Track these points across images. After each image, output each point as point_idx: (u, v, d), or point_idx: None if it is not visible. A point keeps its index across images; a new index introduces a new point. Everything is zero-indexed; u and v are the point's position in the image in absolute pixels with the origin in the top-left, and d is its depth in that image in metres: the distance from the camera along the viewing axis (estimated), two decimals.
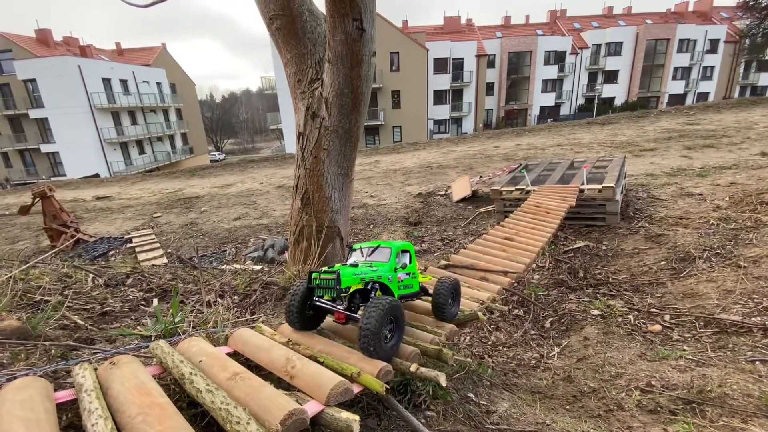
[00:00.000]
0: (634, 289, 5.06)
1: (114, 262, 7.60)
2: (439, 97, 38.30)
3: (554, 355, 4.06)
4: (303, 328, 2.35)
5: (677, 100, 40.74)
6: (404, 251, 2.62)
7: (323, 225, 4.70)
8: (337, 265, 2.27)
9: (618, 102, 42.32)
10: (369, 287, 2.24)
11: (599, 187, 7.11)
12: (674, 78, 41.90)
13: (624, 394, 3.10)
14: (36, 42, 34.47)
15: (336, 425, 1.50)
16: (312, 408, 1.54)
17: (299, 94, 4.49)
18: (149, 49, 44.47)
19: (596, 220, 7.32)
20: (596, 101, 41.85)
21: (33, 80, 31.10)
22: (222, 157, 51.66)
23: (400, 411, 1.94)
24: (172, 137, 43.20)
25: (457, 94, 39.32)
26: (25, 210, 9.89)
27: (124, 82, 36.08)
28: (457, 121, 40.29)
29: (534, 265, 5.81)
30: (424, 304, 2.88)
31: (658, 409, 2.81)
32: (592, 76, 42.95)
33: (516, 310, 5.00)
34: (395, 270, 2.40)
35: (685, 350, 3.57)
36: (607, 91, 42.78)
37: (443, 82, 37.67)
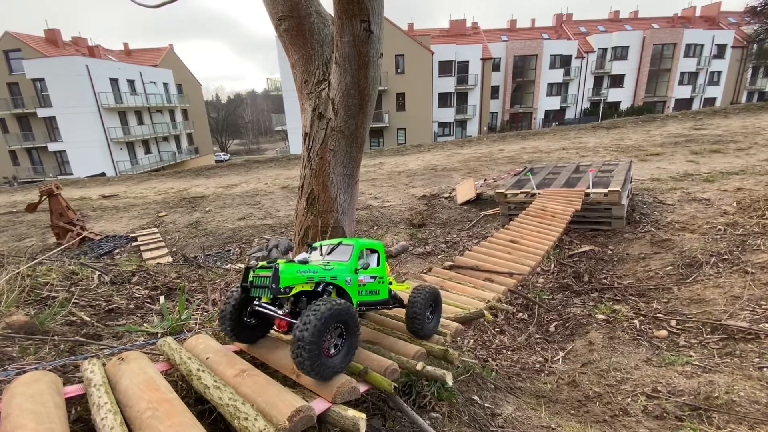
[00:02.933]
0: (639, 294, 5.03)
1: (119, 260, 7.66)
2: (444, 99, 38.31)
3: (559, 359, 4.04)
4: (243, 339, 2.01)
5: (684, 104, 40.51)
6: (372, 251, 2.29)
7: (328, 225, 4.71)
8: (281, 260, 1.90)
9: (624, 106, 42.14)
10: (320, 289, 1.90)
11: (605, 191, 7.08)
12: (681, 83, 41.68)
13: (630, 399, 3.07)
14: (45, 42, 34.86)
15: (342, 423, 1.50)
16: (319, 406, 1.55)
17: (306, 95, 4.51)
18: (156, 50, 44.85)
19: (602, 224, 7.28)
20: (602, 105, 41.68)
21: (41, 79, 31.43)
22: (227, 157, 51.91)
23: (405, 411, 1.93)
24: (177, 137, 43.49)
25: (462, 96, 39.32)
26: (32, 207, 9.98)
27: (131, 82, 36.39)
28: (462, 124, 40.27)
29: (539, 269, 5.79)
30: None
31: (665, 415, 2.79)
32: (598, 80, 42.81)
33: (520, 314, 4.98)
34: (356, 271, 2.05)
35: (691, 356, 3.54)
36: (612, 95, 42.62)
37: (448, 84, 37.68)
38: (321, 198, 4.62)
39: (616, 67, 41.69)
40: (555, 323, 4.72)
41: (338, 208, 4.73)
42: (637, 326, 4.26)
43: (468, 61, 38.07)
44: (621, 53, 41.47)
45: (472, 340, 4.51)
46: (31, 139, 33.81)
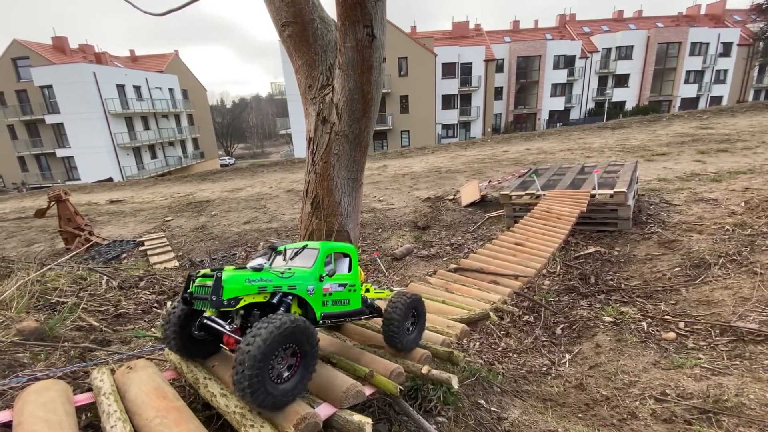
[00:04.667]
0: (647, 296, 4.99)
1: (127, 264, 7.73)
2: (448, 101, 38.31)
3: (566, 362, 4.01)
4: (195, 355, 1.81)
5: (690, 104, 40.16)
6: (344, 255, 2.07)
7: (333, 229, 4.72)
8: (228, 267, 1.69)
9: (629, 106, 41.87)
10: (276, 301, 1.69)
11: (611, 192, 7.03)
12: (686, 82, 41.35)
13: (638, 402, 3.05)
14: (52, 49, 35.35)
15: (348, 428, 1.51)
16: (324, 411, 1.56)
17: (310, 100, 4.54)
18: (162, 56, 45.32)
19: (608, 226, 7.23)
20: (607, 105, 41.46)
21: (49, 86, 31.85)
22: (232, 161, 52.22)
23: (411, 414, 1.93)
24: (183, 142, 43.85)
25: (466, 98, 39.31)
26: (41, 213, 10.11)
27: (137, 88, 36.78)
28: (466, 126, 40.23)
29: (544, 271, 5.76)
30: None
31: (673, 418, 2.76)
32: (603, 80, 42.59)
33: (526, 316, 4.95)
34: (320, 278, 1.83)
35: (700, 359, 3.50)
36: (617, 95, 42.38)
37: (451, 86, 37.69)
38: (325, 202, 4.64)
39: (621, 67, 41.47)
40: (561, 326, 4.69)
41: (343, 212, 4.75)
42: (645, 328, 4.22)
43: (471, 63, 38.09)
44: (625, 53, 41.24)
45: (478, 343, 4.50)
46: (40, 145, 34.26)
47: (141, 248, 9.33)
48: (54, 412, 1.36)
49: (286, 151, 46.74)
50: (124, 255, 9.03)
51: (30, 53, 32.85)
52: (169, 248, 9.22)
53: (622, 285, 5.41)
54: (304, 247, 1.98)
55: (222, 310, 1.56)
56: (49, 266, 3.84)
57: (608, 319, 4.58)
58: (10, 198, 19.85)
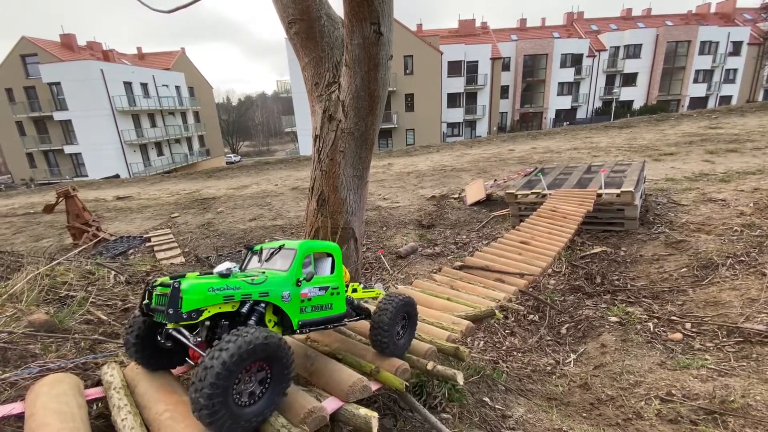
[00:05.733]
0: (653, 296, 4.96)
1: (134, 260, 7.80)
2: (453, 100, 38.18)
3: (570, 361, 4.00)
4: (156, 366, 1.67)
5: (699, 103, 39.71)
6: (327, 255, 1.90)
7: (338, 226, 4.74)
8: (191, 274, 1.56)
9: (637, 105, 41.49)
10: (245, 310, 1.53)
11: (618, 191, 6.98)
12: (696, 81, 40.87)
13: (643, 402, 3.03)
14: (61, 46, 35.67)
15: (355, 422, 1.52)
16: (331, 405, 1.57)
17: (316, 97, 4.55)
18: (169, 54, 45.57)
19: (614, 226, 7.19)
20: (614, 104, 41.10)
21: (57, 83, 32.17)
22: (238, 159, 52.45)
23: (418, 408, 1.94)
24: (189, 139, 44.11)
25: (471, 97, 39.14)
26: (49, 209, 10.21)
27: (144, 86, 37.03)
28: (471, 124, 40.08)
29: (550, 270, 5.73)
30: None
31: (679, 419, 2.75)
32: (610, 79, 42.22)
33: (531, 316, 4.94)
34: (297, 283, 1.67)
35: (707, 359, 3.48)
36: (625, 94, 41.99)
37: (457, 85, 37.54)
38: (331, 199, 4.66)
39: (629, 66, 41.07)
40: (566, 325, 4.68)
41: (348, 209, 4.77)
42: (651, 329, 4.20)
43: (477, 61, 37.90)
44: (634, 51, 40.83)
45: (482, 342, 4.49)
46: (48, 141, 34.63)
47: (148, 244, 9.41)
48: (66, 405, 1.39)
49: (291, 149, 46.85)
50: (131, 251, 9.12)
51: (38, 50, 33.17)
52: (176, 244, 9.29)
53: (628, 285, 5.38)
54: (280, 248, 1.80)
55: (180, 323, 1.39)
56: (58, 261, 3.89)
57: (614, 319, 4.56)
58: (18, 194, 20.10)
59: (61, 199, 9.63)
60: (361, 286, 2.23)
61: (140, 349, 1.62)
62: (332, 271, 1.87)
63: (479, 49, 37.77)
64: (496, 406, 2.54)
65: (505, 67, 40.09)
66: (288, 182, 15.61)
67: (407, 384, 1.79)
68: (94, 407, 1.63)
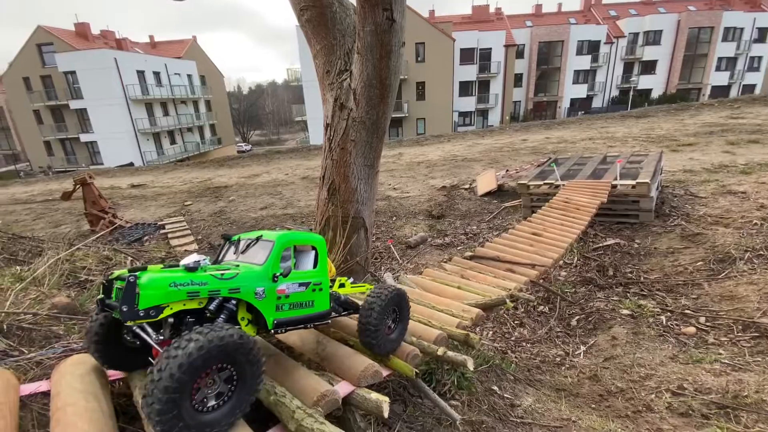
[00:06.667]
0: (667, 290, 4.88)
1: (149, 246, 7.97)
2: (465, 88, 37.58)
3: (580, 353, 3.99)
4: (120, 366, 1.56)
5: (721, 92, 38.36)
6: (310, 248, 1.76)
7: (348, 216, 4.76)
8: (153, 267, 1.45)
9: (655, 94, 40.30)
10: (213, 306, 1.42)
11: (633, 182, 6.85)
12: (718, 69, 39.44)
13: (654, 395, 3.02)
14: (75, 35, 35.99)
15: (366, 405, 1.55)
16: (343, 389, 1.61)
17: (328, 86, 4.53)
18: (180, 42, 45.66)
19: (629, 217, 7.07)
20: (632, 93, 39.99)
21: (73, 72, 32.56)
22: (249, 148, 52.72)
23: (428, 393, 1.96)
24: (201, 128, 44.43)
25: (484, 85, 38.47)
26: (67, 196, 10.45)
27: (156, 74, 37.26)
28: (483, 113, 39.48)
29: (561, 262, 5.68)
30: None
31: (690, 412, 2.73)
32: (628, 67, 40.99)
33: (541, 307, 4.91)
34: (274, 278, 1.54)
35: (720, 354, 3.43)
36: (643, 82, 40.77)
37: (470, 73, 36.91)
38: (342, 188, 4.67)
39: (648, 53, 39.78)
40: (577, 317, 4.65)
41: (358, 199, 4.77)
42: (664, 322, 4.15)
43: (491, 49, 37.13)
44: (654, 38, 39.50)
45: (491, 332, 4.50)
46: (65, 130, 35.24)
47: (162, 231, 9.59)
48: (90, 384, 1.44)
49: (301, 138, 46.90)
50: (146, 237, 9.31)
51: (54, 39, 33.53)
52: (189, 232, 9.45)
53: (642, 278, 5.31)
54: (258, 239, 1.67)
55: (137, 322, 1.26)
56: (77, 246, 4.00)
57: (625, 311, 4.51)
58: (37, 181, 20.60)
59: (78, 186, 9.85)
60: (350, 280, 2.09)
61: (103, 348, 1.49)
62: (315, 266, 1.73)
63: (493, 36, 36.97)
64: (505, 395, 2.56)
65: (519, 54, 39.19)
66: (298, 171, 15.67)
67: (417, 371, 1.81)
68: (116, 386, 1.68)
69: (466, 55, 36.22)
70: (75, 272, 3.51)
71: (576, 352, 4.02)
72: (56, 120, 35.33)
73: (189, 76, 42.27)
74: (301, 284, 1.63)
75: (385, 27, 3.62)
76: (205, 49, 48.22)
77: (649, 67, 40.50)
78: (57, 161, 35.94)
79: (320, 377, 1.62)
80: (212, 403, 1.22)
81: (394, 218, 9.31)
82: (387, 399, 1.52)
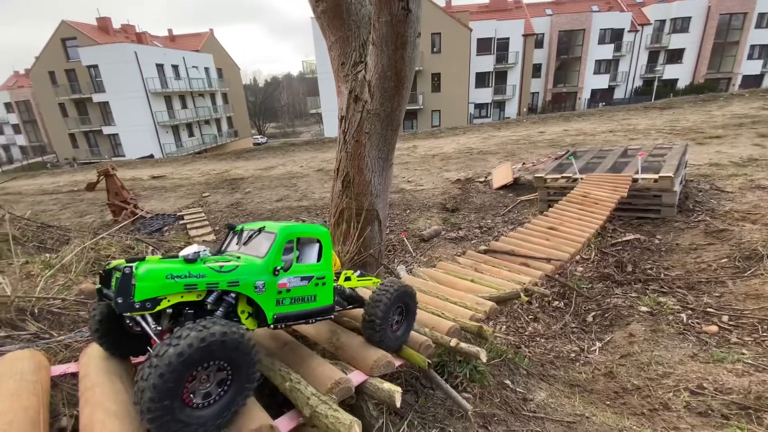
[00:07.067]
0: (689, 287, 4.75)
1: (169, 236, 8.19)
2: (482, 79, 36.92)
3: (596, 349, 3.93)
4: (125, 352, 1.56)
5: (752, 82, 36.59)
6: (310, 240, 1.70)
7: (362, 208, 4.77)
8: (152, 257, 1.44)
9: (681, 84, 38.75)
10: (211, 299, 1.40)
11: (655, 176, 6.65)
12: (750, 57, 37.57)
13: (671, 394, 2.96)
14: (98, 30, 36.79)
15: (379, 395, 1.58)
16: (356, 378, 1.63)
17: (342, 78, 4.52)
18: (198, 35, 46.17)
19: (650, 212, 6.88)
20: (656, 83, 38.54)
21: (95, 66, 33.35)
22: (264, 140, 53.23)
23: (440, 384, 1.97)
24: (218, 121, 45.05)
25: (501, 76, 37.69)
26: (91, 187, 10.79)
27: (175, 68, 37.83)
28: (500, 105, 38.75)
29: (578, 257, 5.58)
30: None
31: (709, 412, 2.67)
32: (653, 56, 39.47)
33: (556, 302, 4.86)
34: (275, 272, 1.50)
35: (743, 354, 3.33)
36: (669, 72, 39.22)
37: (486, 63, 36.20)
38: (356, 181, 4.68)
39: (675, 41, 38.18)
40: (593, 313, 4.58)
41: (372, 191, 4.78)
42: (684, 320, 4.05)
43: (508, 38, 36.28)
44: (681, 25, 37.86)
45: (504, 327, 4.48)
46: (88, 123, 36.27)
47: (181, 222, 9.83)
48: (116, 366, 1.51)
49: (316, 131, 47.06)
50: (166, 228, 9.55)
51: (77, 34, 34.35)
52: (207, 222, 9.66)
53: (662, 275, 5.18)
54: (260, 230, 1.62)
55: (132, 314, 1.25)
56: (102, 236, 4.14)
57: (644, 308, 4.42)
58: (63, 172, 21.33)
59: (101, 177, 10.15)
60: (356, 274, 2.04)
61: (105, 335, 1.49)
62: (319, 259, 1.67)
63: (511, 26, 36.09)
64: (518, 389, 2.55)
65: (538, 44, 38.18)
66: (313, 164, 15.77)
67: (429, 361, 1.82)
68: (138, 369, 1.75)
69: (483, 45, 35.51)
70: (99, 260, 3.63)
71: (591, 349, 3.96)
72: (80, 113, 36.37)
73: (206, 69, 42.78)
74: (303, 278, 1.59)
75: (400, 18, 3.58)
76: (221, 41, 48.63)
77: (675, 55, 38.91)
78: (81, 153, 37.06)
79: (334, 366, 1.65)
80: (204, 399, 1.19)
81: (408, 211, 9.30)
82: (399, 389, 1.54)
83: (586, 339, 4.17)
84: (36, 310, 1.89)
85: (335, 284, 1.80)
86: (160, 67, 35.68)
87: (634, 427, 2.47)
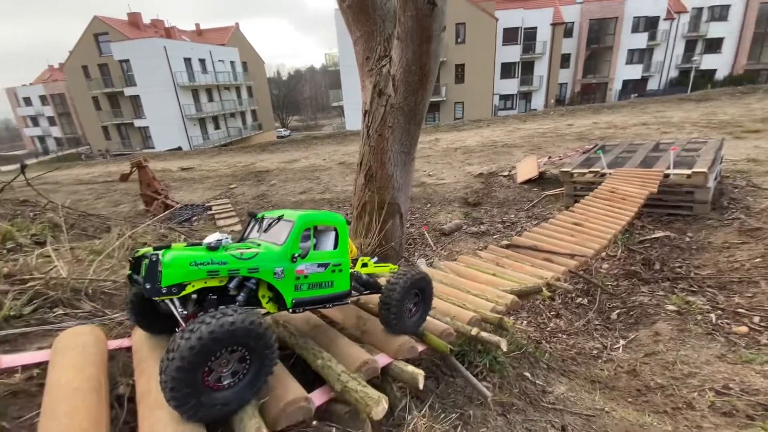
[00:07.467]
0: (719, 287, 4.61)
1: (198, 226, 8.52)
2: (507, 70, 36.02)
3: (619, 347, 3.90)
4: (160, 330, 1.66)
5: None
6: (326, 228, 1.77)
7: (384, 201, 4.84)
8: (177, 245, 1.51)
9: (720, 75, 36.69)
10: (233, 285, 1.46)
11: (688, 172, 6.41)
12: None
13: (696, 393, 2.92)
14: (128, 25, 38.00)
15: (403, 377, 1.67)
16: (382, 360, 1.73)
17: (367, 72, 4.57)
18: (224, 29, 47.00)
19: (681, 209, 6.66)
20: (693, 74, 36.61)
21: (127, 60, 34.52)
22: (287, 133, 53.94)
23: (460, 370, 2.03)
24: (243, 114, 45.94)
25: (528, 66, 36.66)
26: (124, 178, 11.30)
27: (202, 62, 38.73)
28: (526, 97, 37.78)
29: (604, 254, 5.49)
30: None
31: (734, 412, 2.63)
32: (690, 45, 37.49)
33: (579, 299, 4.81)
34: (293, 258, 1.56)
35: None
36: (707, 62, 37.17)
37: (513, 53, 35.26)
38: (378, 174, 4.75)
39: (714, 30, 36.10)
40: (617, 311, 4.52)
41: (394, 185, 4.84)
42: (713, 320, 3.95)
43: (536, 27, 35.18)
44: (720, 13, 35.75)
45: (525, 322, 4.48)
46: (120, 116, 37.73)
47: (209, 212, 10.19)
48: (165, 341, 1.64)
49: (338, 124, 47.31)
50: (195, 218, 9.93)
51: (109, 29, 35.59)
52: (234, 213, 9.98)
53: (692, 273, 5.03)
54: (279, 218, 1.68)
55: (160, 299, 1.34)
56: (147, 223, 4.39)
57: (671, 307, 4.33)
58: (97, 163, 22.35)
59: (134, 169, 10.61)
60: (373, 260, 2.09)
61: (140, 316, 1.61)
62: (335, 247, 1.73)
63: (539, 14, 34.97)
64: (537, 382, 2.58)
65: (568, 33, 36.85)
66: (335, 157, 15.93)
67: (451, 347, 1.89)
68: None
69: (510, 35, 34.59)
70: (136, 247, 3.85)
71: (614, 346, 3.93)
72: (113, 106, 37.84)
73: (232, 62, 43.58)
74: (320, 265, 1.65)
75: (426, 12, 3.59)
76: (246, 35, 49.33)
77: (713, 45, 36.82)
78: (113, 145, 38.63)
79: (361, 347, 1.75)
80: (225, 382, 1.26)
81: (429, 205, 9.31)
82: (422, 372, 1.63)
83: (610, 336, 4.13)
84: (90, 291, 2.07)
85: (352, 270, 1.87)
86: (187, 61, 36.60)
87: (655, 423, 2.46)
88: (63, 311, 1.88)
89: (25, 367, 1.47)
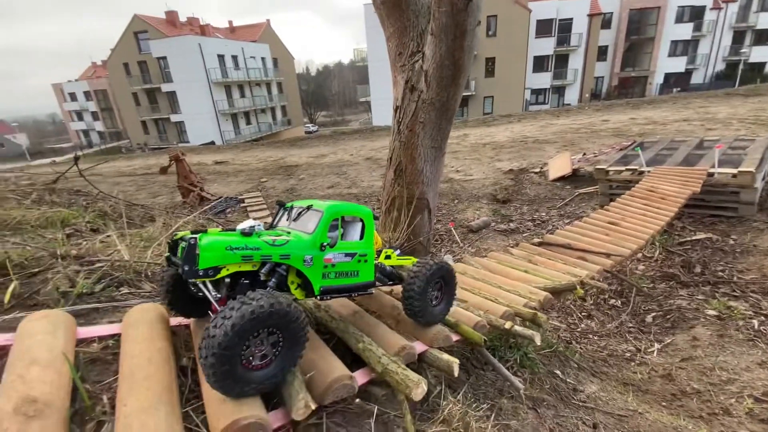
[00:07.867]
0: (764, 292, 4.39)
1: (232, 217, 8.87)
2: (540, 63, 34.92)
3: (654, 351, 3.80)
4: (190, 314, 1.73)
5: None
6: (353, 219, 1.82)
7: (413, 196, 4.88)
8: (213, 230, 1.58)
9: None
10: (265, 271, 1.52)
11: (734, 171, 6.09)
12: None
13: (734, 400, 2.83)
14: (166, 23, 39.56)
15: (438, 364, 1.74)
16: (419, 347, 1.81)
17: (399, 68, 4.61)
18: (255, 26, 48.05)
19: (725, 210, 6.33)
20: (741, 67, 34.25)
21: (164, 58, 36.00)
22: (315, 128, 54.67)
23: (492, 361, 2.07)
24: (273, 109, 46.95)
25: (562, 59, 35.38)
26: (163, 170, 11.86)
27: (234, 58, 39.82)
28: (559, 91, 36.50)
29: (640, 255, 5.31)
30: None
31: None
32: (738, 37, 35.04)
33: (612, 300, 4.70)
34: (321, 247, 1.61)
35: None
36: (756, 54, 34.62)
37: (546, 46, 34.13)
38: (408, 170, 4.79)
39: (764, 20, 33.54)
40: (653, 314, 4.38)
41: (424, 180, 4.87)
42: (756, 327, 3.77)
43: (572, 19, 33.86)
44: None
45: (556, 321, 4.43)
46: (158, 111, 39.45)
47: (242, 205, 10.56)
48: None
49: (364, 119, 47.50)
50: (228, 210, 10.32)
51: (148, 27, 37.17)
52: (265, 206, 10.30)
53: (735, 277, 4.80)
54: (308, 208, 1.73)
55: (197, 280, 1.40)
56: (192, 216, 4.64)
57: (711, 312, 4.16)
58: (137, 156, 23.52)
59: (172, 162, 11.12)
60: (396, 253, 2.14)
61: (173, 299, 1.66)
62: (361, 237, 1.78)
63: (575, 5, 33.60)
64: (568, 380, 2.57)
65: (605, 24, 35.25)
66: (362, 152, 16.06)
67: (485, 338, 1.93)
68: None
69: (543, 27, 33.50)
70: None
71: (649, 350, 3.83)
72: (151, 102, 39.60)
73: (263, 59, 44.53)
74: (347, 254, 1.70)
75: (460, 6, 3.59)
76: (277, 31, 50.21)
77: (764, 36, 34.23)
78: (151, 139, 40.48)
79: (399, 335, 1.83)
80: (260, 362, 1.32)
81: (456, 201, 9.26)
82: (457, 361, 1.68)
83: (644, 339, 4.02)
84: (149, 273, 2.25)
85: (376, 262, 1.91)
86: (221, 57, 37.72)
87: (690, 426, 2.41)
88: (128, 290, 2.07)
89: (101, 338, 1.64)
